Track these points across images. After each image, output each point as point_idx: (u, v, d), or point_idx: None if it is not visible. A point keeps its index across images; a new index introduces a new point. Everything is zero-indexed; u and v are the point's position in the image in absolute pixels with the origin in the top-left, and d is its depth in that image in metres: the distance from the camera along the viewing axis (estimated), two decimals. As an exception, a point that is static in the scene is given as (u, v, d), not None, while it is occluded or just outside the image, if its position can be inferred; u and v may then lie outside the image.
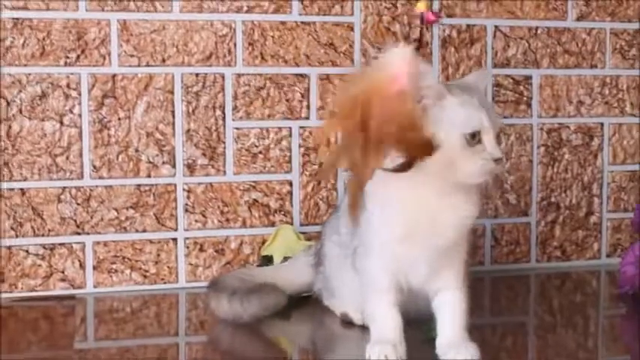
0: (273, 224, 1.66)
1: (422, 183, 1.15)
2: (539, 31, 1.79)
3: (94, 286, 1.60)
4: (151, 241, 1.62)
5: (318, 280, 1.45)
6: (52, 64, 1.56)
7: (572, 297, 1.64)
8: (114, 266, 1.61)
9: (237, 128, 1.65)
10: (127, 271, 1.61)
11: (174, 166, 1.62)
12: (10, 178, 1.55)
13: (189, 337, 1.42)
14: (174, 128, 1.62)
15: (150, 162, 1.61)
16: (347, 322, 1.39)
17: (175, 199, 1.63)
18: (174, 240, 1.63)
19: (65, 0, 1.56)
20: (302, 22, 1.66)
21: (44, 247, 1.58)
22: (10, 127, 1.55)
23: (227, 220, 1.65)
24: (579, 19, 1.80)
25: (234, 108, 1.64)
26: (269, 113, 1.66)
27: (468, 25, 1.75)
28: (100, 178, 1.59)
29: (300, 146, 1.67)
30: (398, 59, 1.11)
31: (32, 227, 1.57)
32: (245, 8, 1.64)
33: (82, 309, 1.52)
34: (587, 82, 1.82)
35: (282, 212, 1.68)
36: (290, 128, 1.67)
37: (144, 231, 1.62)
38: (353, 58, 1.69)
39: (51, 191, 1.57)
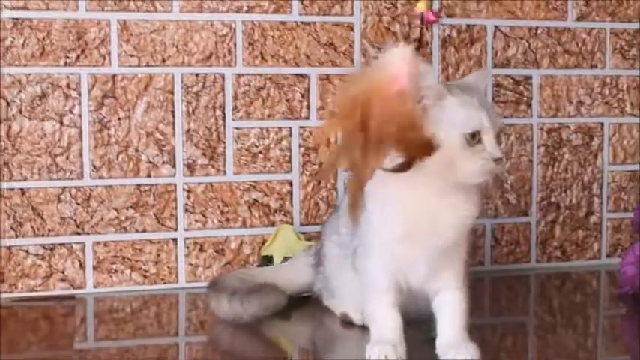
0: (273, 224, 1.66)
1: (422, 183, 1.15)
2: (539, 31, 1.79)
3: (94, 286, 1.60)
4: (150, 241, 1.62)
5: (318, 280, 1.45)
6: (52, 64, 1.56)
7: (572, 297, 1.64)
8: (114, 266, 1.61)
9: (237, 128, 1.65)
10: (127, 271, 1.61)
11: (174, 166, 1.62)
12: (10, 178, 1.55)
13: (189, 337, 1.42)
14: (174, 128, 1.62)
15: (150, 162, 1.61)
16: (347, 322, 1.38)
17: (175, 199, 1.63)
18: (174, 240, 1.63)
19: (65, 0, 1.56)
20: (302, 22, 1.66)
21: (44, 247, 1.58)
22: (10, 127, 1.55)
23: (227, 220, 1.65)
24: (579, 19, 1.80)
25: (234, 108, 1.64)
26: (269, 113, 1.66)
27: (468, 25, 1.75)
28: (100, 178, 1.59)
29: (300, 146, 1.67)
30: (398, 59, 1.11)
31: (32, 227, 1.57)
32: (245, 8, 1.64)
33: (82, 309, 1.52)
34: (587, 82, 1.82)
35: (282, 212, 1.68)
36: (290, 128, 1.67)
37: (144, 231, 1.62)
38: (353, 58, 1.69)
39: (51, 191, 1.57)
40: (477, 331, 1.24)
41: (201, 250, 1.64)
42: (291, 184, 1.68)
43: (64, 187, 1.58)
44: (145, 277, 1.62)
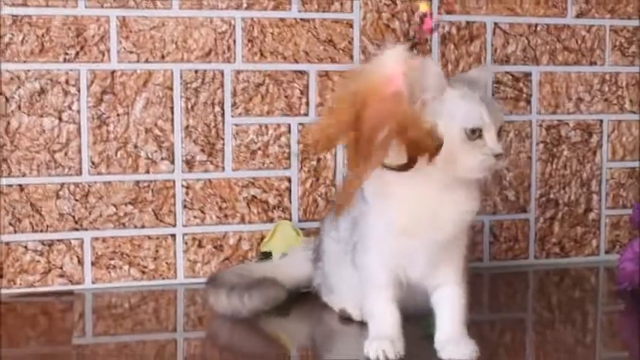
0: (271, 220, 1.66)
1: (422, 177, 1.15)
2: (538, 28, 1.78)
3: (93, 282, 1.60)
4: (149, 237, 1.62)
5: (317, 276, 1.45)
6: (51, 60, 1.56)
7: (571, 293, 1.64)
8: (112, 262, 1.61)
9: (236, 124, 1.65)
10: (126, 267, 1.61)
11: (173, 163, 1.62)
12: (9, 174, 1.55)
13: (187, 333, 1.42)
14: (173, 124, 1.62)
15: (149, 158, 1.61)
16: (345, 318, 1.38)
17: (174, 195, 1.63)
18: (173, 236, 1.63)
19: (64, -4, 1.56)
20: (301, 19, 1.66)
21: (43, 243, 1.58)
22: (8, 123, 1.55)
23: (226, 216, 1.65)
24: (579, 16, 1.80)
25: (234, 104, 1.64)
26: (268, 110, 1.66)
27: (468, 22, 1.74)
28: (99, 174, 1.59)
29: (298, 143, 1.67)
30: (392, 60, 1.11)
31: (31, 223, 1.57)
32: (244, 5, 1.64)
33: (81, 305, 1.52)
34: (586, 79, 1.82)
35: (281, 208, 1.68)
36: (289, 125, 1.67)
37: (142, 227, 1.62)
38: (352, 55, 1.68)
39: (49, 187, 1.57)
40: (475, 327, 1.24)
41: (200, 246, 1.64)
42: (289, 180, 1.68)
43: (63, 183, 1.58)
44: (144, 272, 1.62)
